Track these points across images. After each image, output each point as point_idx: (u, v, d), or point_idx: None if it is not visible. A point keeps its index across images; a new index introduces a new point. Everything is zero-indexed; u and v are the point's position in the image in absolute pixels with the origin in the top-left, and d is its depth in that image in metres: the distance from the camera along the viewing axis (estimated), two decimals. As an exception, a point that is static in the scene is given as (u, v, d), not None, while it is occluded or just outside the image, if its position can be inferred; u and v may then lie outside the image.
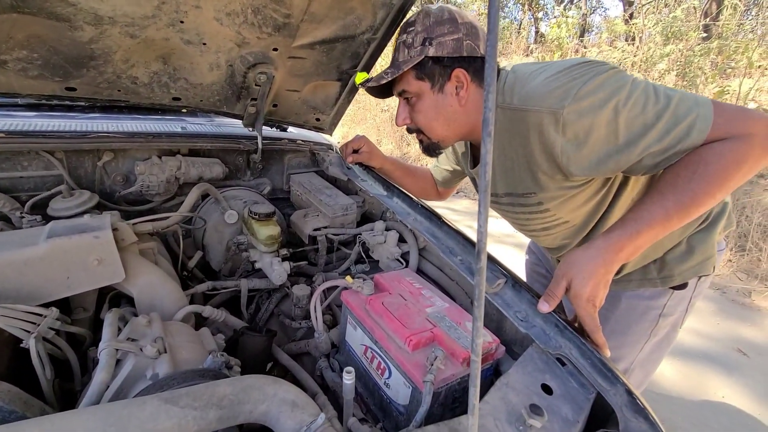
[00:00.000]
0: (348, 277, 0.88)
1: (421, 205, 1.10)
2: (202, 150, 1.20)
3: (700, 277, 0.98)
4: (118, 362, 0.62)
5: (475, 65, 0.87)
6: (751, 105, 4.21)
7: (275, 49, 1.00)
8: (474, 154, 1.10)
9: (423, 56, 0.85)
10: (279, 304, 1.10)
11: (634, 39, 6.71)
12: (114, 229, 0.75)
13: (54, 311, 0.64)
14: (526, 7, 11.38)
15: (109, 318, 0.66)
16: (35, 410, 0.53)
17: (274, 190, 1.42)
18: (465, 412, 0.59)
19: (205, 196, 1.21)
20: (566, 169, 0.82)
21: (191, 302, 0.92)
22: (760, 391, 1.99)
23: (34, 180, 0.98)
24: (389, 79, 0.87)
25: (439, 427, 0.56)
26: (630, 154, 0.75)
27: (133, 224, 0.88)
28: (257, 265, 1.05)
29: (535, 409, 0.59)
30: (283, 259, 1.06)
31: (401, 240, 1.11)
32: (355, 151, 1.32)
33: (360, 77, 0.95)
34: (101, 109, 1.16)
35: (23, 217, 0.85)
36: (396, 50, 0.90)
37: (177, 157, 1.13)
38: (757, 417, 1.85)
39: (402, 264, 1.08)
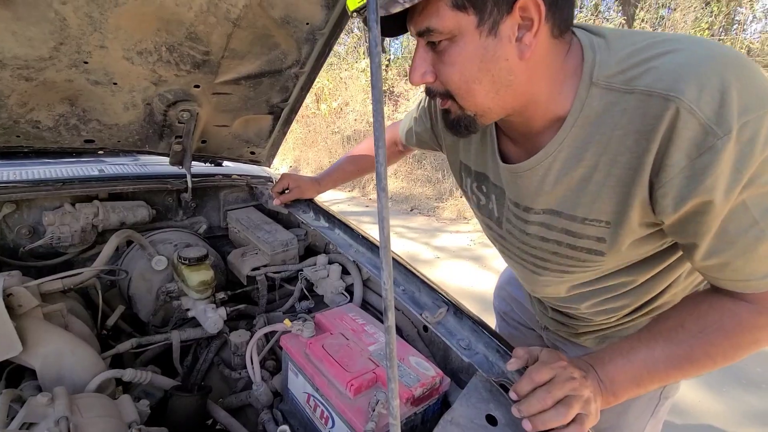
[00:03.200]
0: (287, 320, 0.83)
1: (362, 236, 1.09)
2: (124, 193, 1.12)
3: None
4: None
5: None
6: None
7: (197, 86, 0.95)
8: (503, 144, 0.71)
9: None
10: (219, 352, 1.02)
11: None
12: (7, 295, 0.66)
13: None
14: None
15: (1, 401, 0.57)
16: None
17: (212, 228, 1.35)
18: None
19: (130, 243, 1.12)
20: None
21: (113, 365, 0.83)
22: (696, 379, 2.13)
23: None
24: (408, 5, 0.49)
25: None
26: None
27: (39, 284, 0.79)
28: (190, 314, 0.97)
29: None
30: (221, 304, 1.00)
31: (345, 272, 1.08)
32: (284, 191, 1.24)
33: (353, 3, 0.55)
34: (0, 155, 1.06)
35: None
36: None
37: (93, 203, 1.03)
38: (693, 403, 1.97)
39: (346, 298, 1.05)
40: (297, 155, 8.54)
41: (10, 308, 0.65)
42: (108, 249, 0.90)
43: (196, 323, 0.99)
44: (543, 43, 0.53)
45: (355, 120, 8.69)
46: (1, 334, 0.63)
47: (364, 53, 10.14)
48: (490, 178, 0.74)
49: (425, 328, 0.90)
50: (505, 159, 0.70)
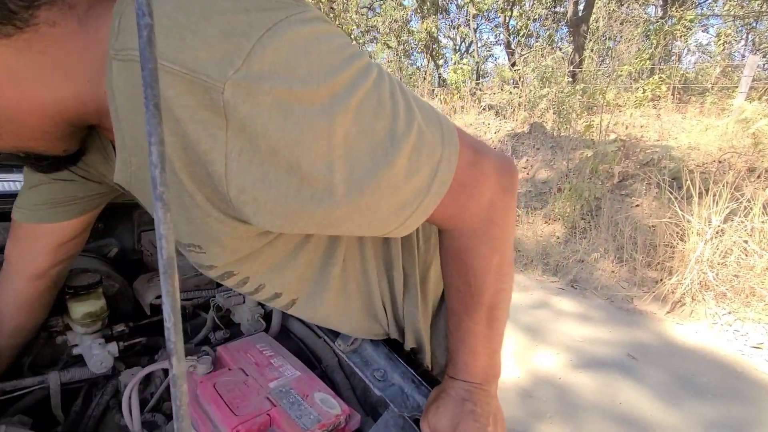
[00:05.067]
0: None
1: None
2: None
3: None
4: None
5: None
6: (612, 136, 4.93)
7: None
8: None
9: None
10: (116, 396, 0.89)
11: (518, 83, 7.63)
12: None
13: None
14: (429, 55, 12.49)
15: None
16: None
17: (124, 251, 1.22)
18: None
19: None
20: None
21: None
22: (649, 394, 2.15)
23: None
24: None
25: None
26: None
27: None
28: (75, 351, 0.85)
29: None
30: (114, 338, 0.88)
31: (265, 297, 0.99)
32: None
33: None
34: None
35: None
36: None
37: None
38: (650, 418, 1.98)
39: (263, 325, 0.95)
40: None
41: None
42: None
43: (84, 362, 0.86)
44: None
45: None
46: None
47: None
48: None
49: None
50: None
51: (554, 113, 5.95)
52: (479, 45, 13.29)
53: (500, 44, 12.86)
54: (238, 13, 0.35)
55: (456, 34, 13.52)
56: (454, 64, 9.29)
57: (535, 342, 2.65)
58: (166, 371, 0.82)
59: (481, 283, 0.57)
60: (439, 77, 12.28)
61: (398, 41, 11.86)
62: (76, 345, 0.85)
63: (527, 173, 5.24)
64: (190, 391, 0.68)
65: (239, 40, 0.34)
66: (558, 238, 4.10)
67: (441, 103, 7.89)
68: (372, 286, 0.69)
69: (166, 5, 0.35)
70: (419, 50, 12.64)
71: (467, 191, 0.48)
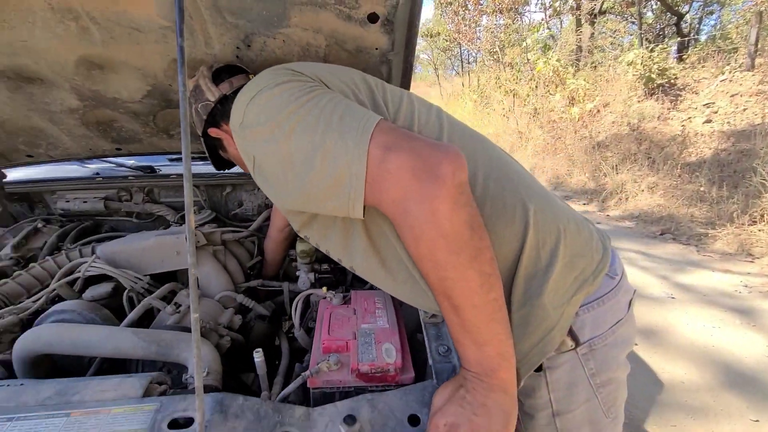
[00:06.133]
0: (324, 288, 1.06)
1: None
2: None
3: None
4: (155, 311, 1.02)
5: None
6: None
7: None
8: None
9: None
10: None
11: None
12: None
13: (146, 278, 1.11)
14: None
15: (162, 289, 1.08)
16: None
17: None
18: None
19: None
20: None
21: (250, 294, 1.28)
22: None
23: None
24: None
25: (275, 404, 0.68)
26: None
27: (222, 231, 1.33)
28: (298, 273, 1.34)
29: (349, 420, 0.63)
30: (315, 271, 1.32)
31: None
32: None
33: None
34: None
35: (175, 223, 1.43)
36: None
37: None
38: None
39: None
40: (534, 163, 8.19)
41: (191, 241, 1.17)
42: (260, 219, 1.38)
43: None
44: None
45: (613, 123, 7.53)
46: (184, 255, 1.16)
47: (631, 43, 8.57)
48: None
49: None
50: None
51: None
52: None
53: None
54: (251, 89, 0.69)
55: None
56: None
57: None
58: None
59: (424, 270, 0.58)
60: None
61: None
62: (298, 270, 1.35)
63: None
64: (322, 311, 0.99)
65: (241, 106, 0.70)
66: None
67: None
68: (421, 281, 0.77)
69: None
70: None
71: (378, 185, 0.56)
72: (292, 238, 1.38)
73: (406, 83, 1.21)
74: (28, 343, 0.84)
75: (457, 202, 0.54)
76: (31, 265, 1.19)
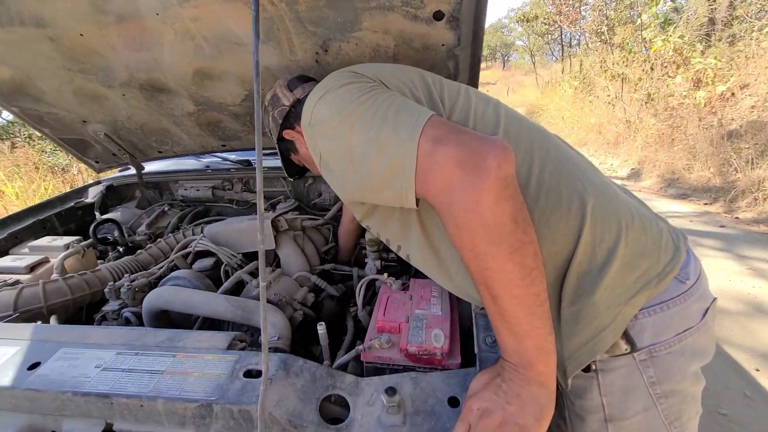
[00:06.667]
0: (385, 275, 1.13)
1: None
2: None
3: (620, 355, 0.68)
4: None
5: None
6: None
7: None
8: None
9: None
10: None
11: None
12: (276, 220, 1.36)
13: (239, 255, 1.30)
14: None
15: (250, 265, 1.26)
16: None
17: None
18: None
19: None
20: None
21: (323, 276, 1.42)
22: None
23: (275, 193, 1.80)
24: None
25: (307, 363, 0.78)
26: None
27: (302, 218, 1.49)
28: (366, 260, 1.44)
29: (390, 391, 0.69)
30: (382, 259, 1.40)
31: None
32: None
33: None
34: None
35: (266, 210, 1.64)
36: None
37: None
38: None
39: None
40: (643, 156, 7.25)
41: (275, 227, 1.34)
42: (335, 208, 1.51)
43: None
44: None
45: (753, 108, 6.31)
46: (269, 236, 1.33)
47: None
48: None
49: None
50: None
51: None
52: None
53: None
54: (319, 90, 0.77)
55: None
56: None
57: None
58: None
59: (466, 260, 0.59)
60: None
61: None
62: (367, 257, 1.45)
63: None
64: (382, 294, 1.06)
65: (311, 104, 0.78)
66: None
67: None
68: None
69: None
70: None
71: (426, 176, 0.58)
72: (363, 228, 1.48)
73: (474, 76, 1.21)
74: (152, 299, 1.06)
75: (500, 194, 0.55)
76: (158, 240, 1.49)
